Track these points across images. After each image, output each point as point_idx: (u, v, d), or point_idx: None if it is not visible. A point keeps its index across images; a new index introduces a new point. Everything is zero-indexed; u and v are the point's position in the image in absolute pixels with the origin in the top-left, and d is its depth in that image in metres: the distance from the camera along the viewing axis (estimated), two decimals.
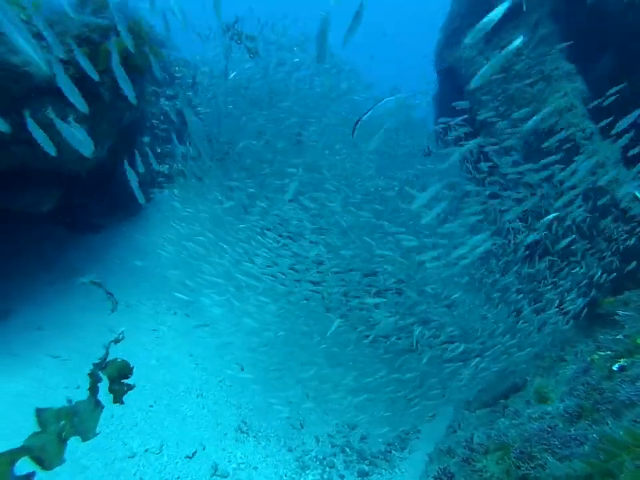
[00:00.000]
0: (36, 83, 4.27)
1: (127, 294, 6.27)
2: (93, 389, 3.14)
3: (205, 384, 5.36)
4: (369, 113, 3.06)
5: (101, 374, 3.70)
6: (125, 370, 3.19)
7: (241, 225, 6.04)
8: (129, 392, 4.47)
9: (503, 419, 4.50)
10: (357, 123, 3.13)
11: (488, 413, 5.16)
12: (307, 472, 4.76)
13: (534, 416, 4.06)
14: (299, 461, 4.88)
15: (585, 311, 5.46)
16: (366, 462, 5.12)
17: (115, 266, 6.85)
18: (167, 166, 9.83)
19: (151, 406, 4.60)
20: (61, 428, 3.03)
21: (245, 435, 4.94)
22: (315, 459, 4.98)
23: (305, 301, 5.83)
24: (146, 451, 4.07)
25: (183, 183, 8.42)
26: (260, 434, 5.04)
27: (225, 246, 5.94)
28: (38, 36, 4.06)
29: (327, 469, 4.89)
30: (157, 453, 4.11)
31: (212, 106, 8.26)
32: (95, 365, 3.16)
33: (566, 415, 3.50)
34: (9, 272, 5.83)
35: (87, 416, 3.11)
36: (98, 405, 3.19)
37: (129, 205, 7.75)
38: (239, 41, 6.35)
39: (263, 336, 5.78)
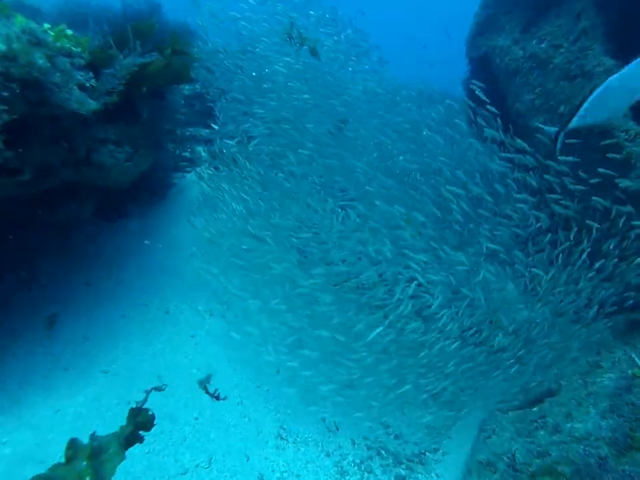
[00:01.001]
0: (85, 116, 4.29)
1: (165, 297, 6.41)
2: (123, 435, 3.23)
3: (244, 391, 5.52)
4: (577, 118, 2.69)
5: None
6: (147, 423, 3.25)
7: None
8: (177, 406, 4.66)
9: (542, 432, 4.55)
10: (560, 132, 2.73)
11: (523, 419, 5.20)
12: (347, 478, 4.91)
13: (576, 435, 4.09)
14: (338, 466, 5.05)
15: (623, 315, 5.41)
16: (402, 466, 5.25)
17: (149, 262, 6.98)
18: (189, 150, 9.79)
19: (196, 418, 4.79)
20: (82, 468, 3.15)
21: (285, 442, 5.11)
22: (352, 464, 5.14)
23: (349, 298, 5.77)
24: (197, 466, 4.27)
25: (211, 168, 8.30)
26: (298, 439, 5.21)
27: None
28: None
29: (365, 474, 5.04)
30: (207, 468, 4.30)
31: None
32: (131, 412, 3.25)
33: (614, 443, 3.52)
34: (50, 271, 5.99)
35: (109, 457, 3.22)
36: (122, 449, 3.28)
37: (155, 190, 7.82)
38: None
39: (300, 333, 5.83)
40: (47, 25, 4.57)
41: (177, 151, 8.39)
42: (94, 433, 3.74)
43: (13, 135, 3.85)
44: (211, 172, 7.43)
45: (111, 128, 5.02)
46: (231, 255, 6.12)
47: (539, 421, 4.89)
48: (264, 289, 5.77)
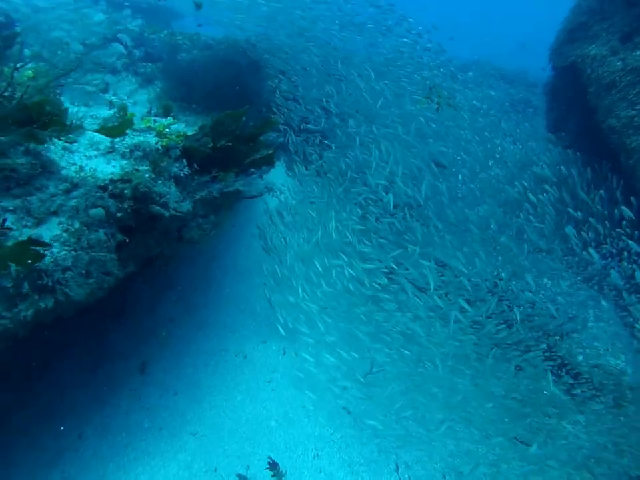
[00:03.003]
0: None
1: (241, 338, 6.78)
2: None
3: (319, 440, 5.87)
4: None
5: None
6: None
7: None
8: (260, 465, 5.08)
9: None
10: None
11: None
12: None
13: None
14: None
15: None
16: None
17: (221, 294, 7.34)
18: None
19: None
20: None
21: None
22: None
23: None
24: None
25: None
26: None
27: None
28: None
29: None
30: None
31: None
32: None
33: None
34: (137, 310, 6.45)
35: None
36: None
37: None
38: None
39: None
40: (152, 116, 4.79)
41: None
42: None
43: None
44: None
45: (199, 202, 5.25)
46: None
47: None
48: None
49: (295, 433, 5.87)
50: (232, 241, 8.11)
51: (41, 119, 3.47)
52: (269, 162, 4.98)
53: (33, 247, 2.97)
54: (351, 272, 6.07)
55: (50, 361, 5.89)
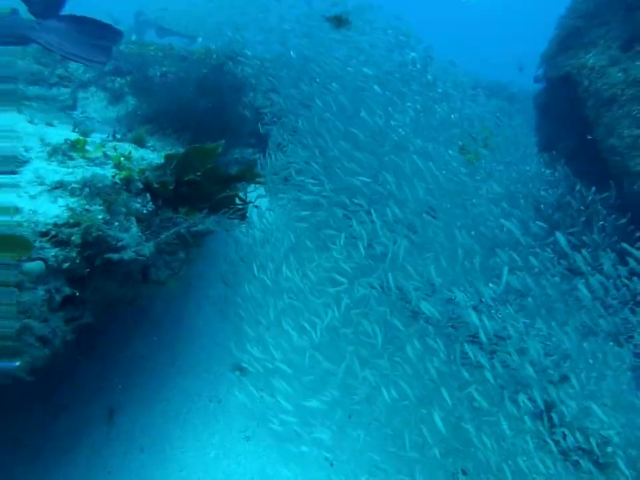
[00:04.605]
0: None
1: (215, 378, 6.18)
2: None
3: None
4: None
5: None
6: None
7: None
8: None
9: None
10: None
11: None
12: None
13: None
14: None
15: None
16: None
17: (194, 326, 6.74)
18: None
19: None
20: None
21: None
22: None
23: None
24: None
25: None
26: None
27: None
28: None
29: None
30: None
31: None
32: None
33: None
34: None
35: None
36: None
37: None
38: None
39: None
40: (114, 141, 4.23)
41: None
42: None
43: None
44: None
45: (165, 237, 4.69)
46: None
47: None
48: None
49: None
50: (206, 269, 7.51)
51: None
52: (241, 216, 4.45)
53: None
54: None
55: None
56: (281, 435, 5.74)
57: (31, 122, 4.88)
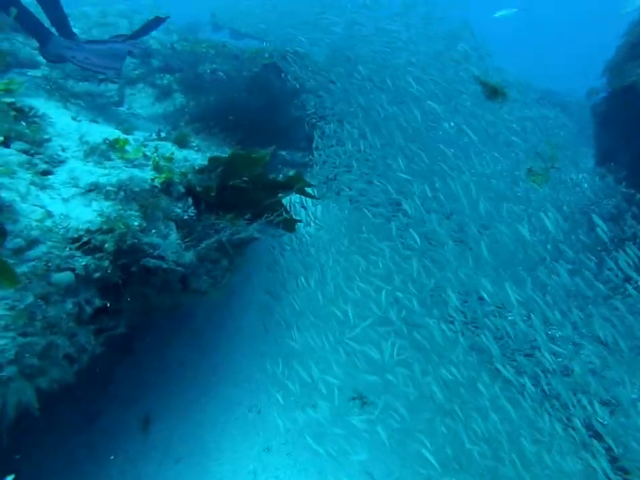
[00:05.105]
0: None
1: (256, 385, 5.91)
2: None
3: None
4: None
5: None
6: None
7: None
8: None
9: None
10: None
11: None
12: None
13: None
14: None
15: None
16: None
17: (237, 336, 6.49)
18: None
19: None
20: None
21: None
22: None
23: None
24: None
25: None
26: None
27: None
28: None
29: None
30: None
31: None
32: None
33: None
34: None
35: None
36: None
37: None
38: None
39: None
40: (151, 146, 4.02)
41: None
42: None
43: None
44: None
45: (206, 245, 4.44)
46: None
47: None
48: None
49: None
50: (249, 276, 7.26)
51: None
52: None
53: None
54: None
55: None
56: (321, 451, 5.41)
57: (74, 118, 4.76)
